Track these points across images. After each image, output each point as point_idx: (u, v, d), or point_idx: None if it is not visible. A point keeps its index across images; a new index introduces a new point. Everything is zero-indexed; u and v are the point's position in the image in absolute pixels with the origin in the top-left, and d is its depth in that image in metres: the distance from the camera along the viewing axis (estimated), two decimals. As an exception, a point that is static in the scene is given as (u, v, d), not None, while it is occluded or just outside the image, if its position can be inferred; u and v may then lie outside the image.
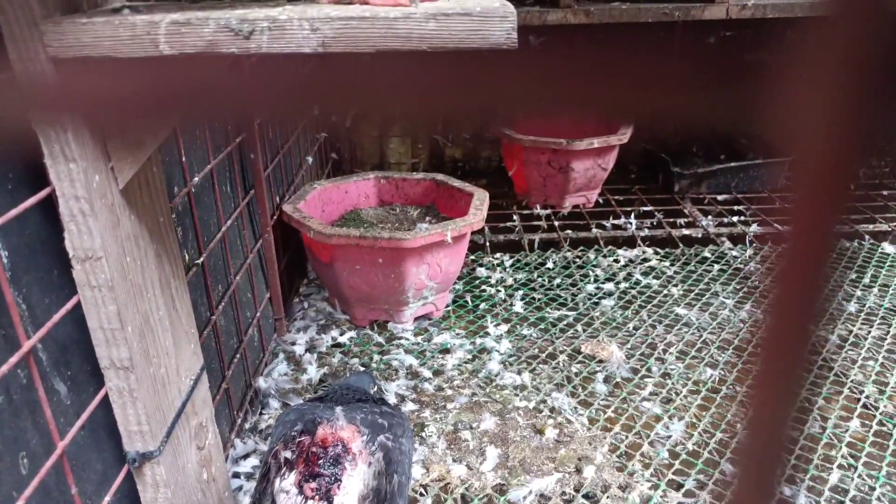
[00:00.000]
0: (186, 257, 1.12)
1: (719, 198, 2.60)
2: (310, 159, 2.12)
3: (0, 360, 0.63)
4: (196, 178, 1.17)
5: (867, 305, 1.85)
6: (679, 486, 1.23)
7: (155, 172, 0.87)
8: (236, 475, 1.22)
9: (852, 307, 1.83)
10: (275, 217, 1.69)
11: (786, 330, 0.24)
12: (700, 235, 2.31)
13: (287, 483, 0.94)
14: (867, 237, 2.25)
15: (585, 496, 1.21)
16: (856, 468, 1.26)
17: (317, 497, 0.92)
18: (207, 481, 0.98)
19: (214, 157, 1.27)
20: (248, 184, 1.51)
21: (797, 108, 0.20)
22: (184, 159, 1.12)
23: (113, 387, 0.78)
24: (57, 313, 0.71)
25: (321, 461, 0.95)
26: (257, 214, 1.56)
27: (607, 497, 1.20)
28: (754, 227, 2.31)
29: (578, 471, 1.26)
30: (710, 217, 2.43)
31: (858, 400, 1.46)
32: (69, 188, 0.69)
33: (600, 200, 2.59)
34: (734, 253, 2.18)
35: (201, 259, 1.17)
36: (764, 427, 0.26)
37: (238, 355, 1.37)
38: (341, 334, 1.73)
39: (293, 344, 1.67)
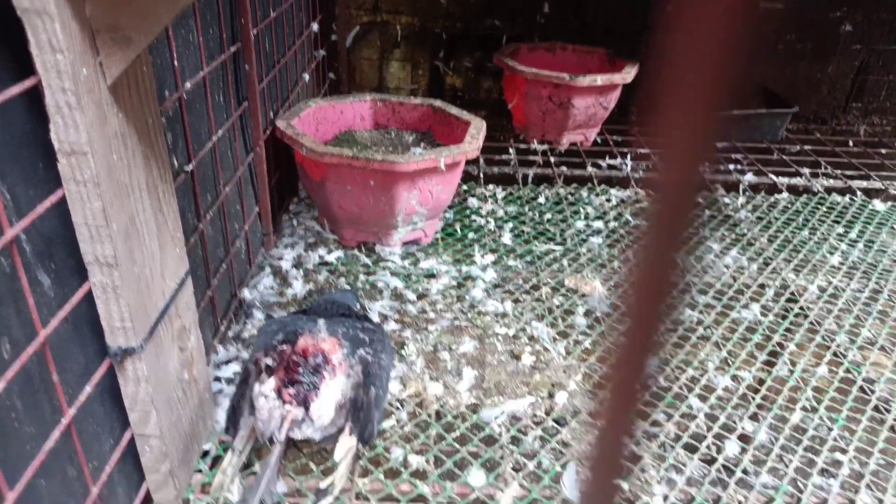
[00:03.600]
0: (175, 163, 1.12)
1: (717, 145, 2.58)
2: (306, 76, 2.09)
3: (-16, 247, 0.64)
4: (188, 84, 1.15)
5: (850, 259, 1.87)
6: (646, 416, 1.27)
7: (145, 72, 0.86)
8: (217, 379, 1.26)
9: (835, 260, 1.86)
10: (268, 132, 1.68)
11: (650, 275, 0.25)
12: (694, 180, 2.30)
13: (266, 388, 0.97)
14: (859, 193, 2.25)
15: (556, 420, 1.25)
16: (817, 410, 1.31)
17: (294, 403, 0.95)
18: (188, 381, 1.01)
19: (208, 65, 1.26)
20: (242, 96, 1.49)
21: (673, 60, 0.21)
22: (176, 63, 1.10)
23: (97, 282, 0.79)
24: (41, 205, 0.72)
25: (301, 369, 0.98)
26: (250, 128, 1.55)
27: (576, 422, 1.25)
28: (749, 177, 2.31)
29: (551, 396, 1.30)
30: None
31: (829, 348, 1.50)
32: (56, 80, 0.68)
33: (598, 140, 2.57)
34: (726, 200, 2.19)
35: (190, 166, 1.17)
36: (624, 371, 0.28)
37: (224, 265, 1.39)
38: (329, 253, 1.75)
39: (280, 259, 1.68)
